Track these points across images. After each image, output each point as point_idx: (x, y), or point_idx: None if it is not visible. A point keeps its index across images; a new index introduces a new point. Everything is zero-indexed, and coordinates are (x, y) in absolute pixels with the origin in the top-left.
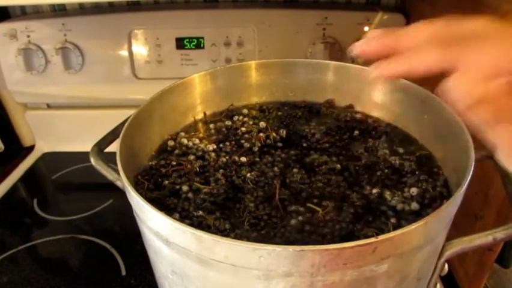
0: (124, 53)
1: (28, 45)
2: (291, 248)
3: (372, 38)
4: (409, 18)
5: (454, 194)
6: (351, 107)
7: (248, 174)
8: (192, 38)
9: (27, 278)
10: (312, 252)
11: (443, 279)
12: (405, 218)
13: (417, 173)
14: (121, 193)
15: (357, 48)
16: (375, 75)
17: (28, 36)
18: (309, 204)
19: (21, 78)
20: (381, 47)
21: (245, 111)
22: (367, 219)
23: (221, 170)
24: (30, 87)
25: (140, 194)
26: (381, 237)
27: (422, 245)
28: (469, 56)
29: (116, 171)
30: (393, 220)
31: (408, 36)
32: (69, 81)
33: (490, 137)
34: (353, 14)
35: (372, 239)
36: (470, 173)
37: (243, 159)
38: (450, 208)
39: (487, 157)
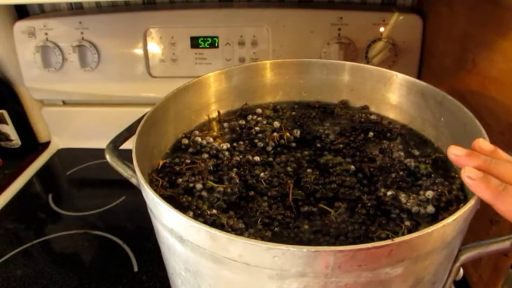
0: (139, 51)
1: (46, 43)
2: (305, 249)
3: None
4: (426, 19)
5: (473, 197)
6: (366, 108)
7: (262, 174)
8: (207, 37)
9: (41, 271)
10: (327, 253)
11: (457, 284)
12: (420, 221)
13: (433, 175)
14: (134, 190)
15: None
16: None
17: (46, 34)
18: (322, 205)
19: (39, 75)
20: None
21: (259, 110)
22: (381, 222)
23: (235, 169)
24: (47, 84)
25: (155, 191)
26: (397, 239)
27: (438, 248)
28: None
29: (131, 168)
30: (407, 223)
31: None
32: (85, 79)
33: None
34: (369, 14)
35: (389, 241)
36: None
37: (257, 158)
38: (468, 212)
39: None
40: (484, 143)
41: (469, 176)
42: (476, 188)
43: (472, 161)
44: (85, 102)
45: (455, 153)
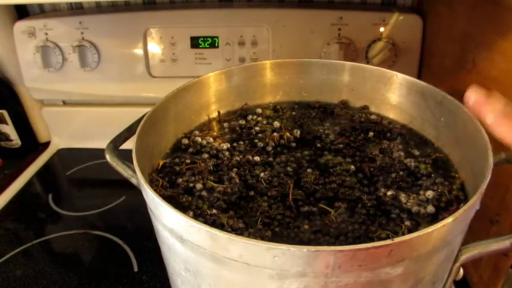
0: (139, 51)
1: (46, 43)
2: (305, 248)
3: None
4: (426, 19)
5: (473, 197)
6: (366, 108)
7: (261, 174)
8: (207, 37)
9: (41, 271)
10: (327, 253)
11: (457, 284)
12: (420, 221)
13: (433, 175)
14: (134, 190)
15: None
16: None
17: (46, 34)
18: (322, 205)
19: (39, 75)
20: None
21: (259, 110)
22: (381, 222)
23: (235, 169)
24: (47, 84)
25: (155, 191)
26: (397, 239)
27: (438, 248)
28: None
29: (131, 168)
30: (407, 223)
31: None
32: (85, 79)
33: None
34: (369, 14)
35: (388, 241)
36: (489, 177)
37: (257, 158)
38: (468, 211)
39: (504, 161)
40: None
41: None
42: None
43: (493, 105)
44: (85, 102)
45: (472, 97)
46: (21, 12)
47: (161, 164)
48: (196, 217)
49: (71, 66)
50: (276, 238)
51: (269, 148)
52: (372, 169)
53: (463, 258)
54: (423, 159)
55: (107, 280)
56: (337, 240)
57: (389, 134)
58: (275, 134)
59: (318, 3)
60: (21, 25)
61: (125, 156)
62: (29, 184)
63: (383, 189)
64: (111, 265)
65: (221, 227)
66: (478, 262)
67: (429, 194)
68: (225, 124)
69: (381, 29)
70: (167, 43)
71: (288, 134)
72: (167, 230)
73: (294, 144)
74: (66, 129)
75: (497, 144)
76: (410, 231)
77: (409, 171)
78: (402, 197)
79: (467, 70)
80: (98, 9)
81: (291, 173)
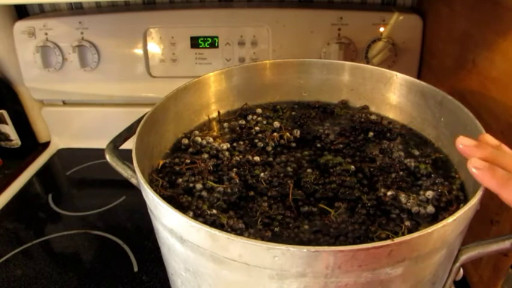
0: (139, 51)
1: (46, 43)
2: (305, 249)
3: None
4: (426, 19)
5: (473, 197)
6: (365, 108)
7: (261, 174)
8: (207, 37)
9: (41, 271)
10: (327, 253)
11: (457, 284)
12: (420, 221)
13: (433, 175)
14: (134, 190)
15: (463, 147)
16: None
17: (46, 34)
18: (322, 205)
19: (39, 75)
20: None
21: (259, 110)
22: (381, 222)
23: (235, 169)
24: (47, 84)
25: (155, 191)
26: (397, 239)
27: (438, 248)
28: None
29: (131, 168)
30: (407, 223)
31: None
32: (85, 79)
33: None
34: (369, 14)
35: (388, 242)
36: None
37: (257, 158)
38: (468, 212)
39: None
40: (490, 138)
41: (476, 166)
42: (482, 178)
43: (479, 152)
44: (85, 102)
45: (463, 143)
46: (21, 12)
47: (161, 164)
48: (196, 217)
49: (71, 66)
50: (276, 238)
51: (269, 148)
52: (372, 169)
53: (463, 258)
54: (423, 159)
55: (107, 280)
56: (337, 240)
57: (389, 134)
58: (275, 134)
59: (318, 3)
60: (21, 25)
61: (125, 156)
62: (29, 184)
63: (383, 190)
64: (111, 265)
65: (221, 227)
66: (478, 262)
67: (429, 194)
68: (225, 124)
69: (381, 29)
70: (167, 43)
71: (288, 134)
72: (167, 230)
73: (294, 144)
74: (66, 129)
75: None
76: (410, 231)
77: (409, 171)
78: (402, 197)
79: (467, 70)
80: (98, 9)
81: (291, 173)
